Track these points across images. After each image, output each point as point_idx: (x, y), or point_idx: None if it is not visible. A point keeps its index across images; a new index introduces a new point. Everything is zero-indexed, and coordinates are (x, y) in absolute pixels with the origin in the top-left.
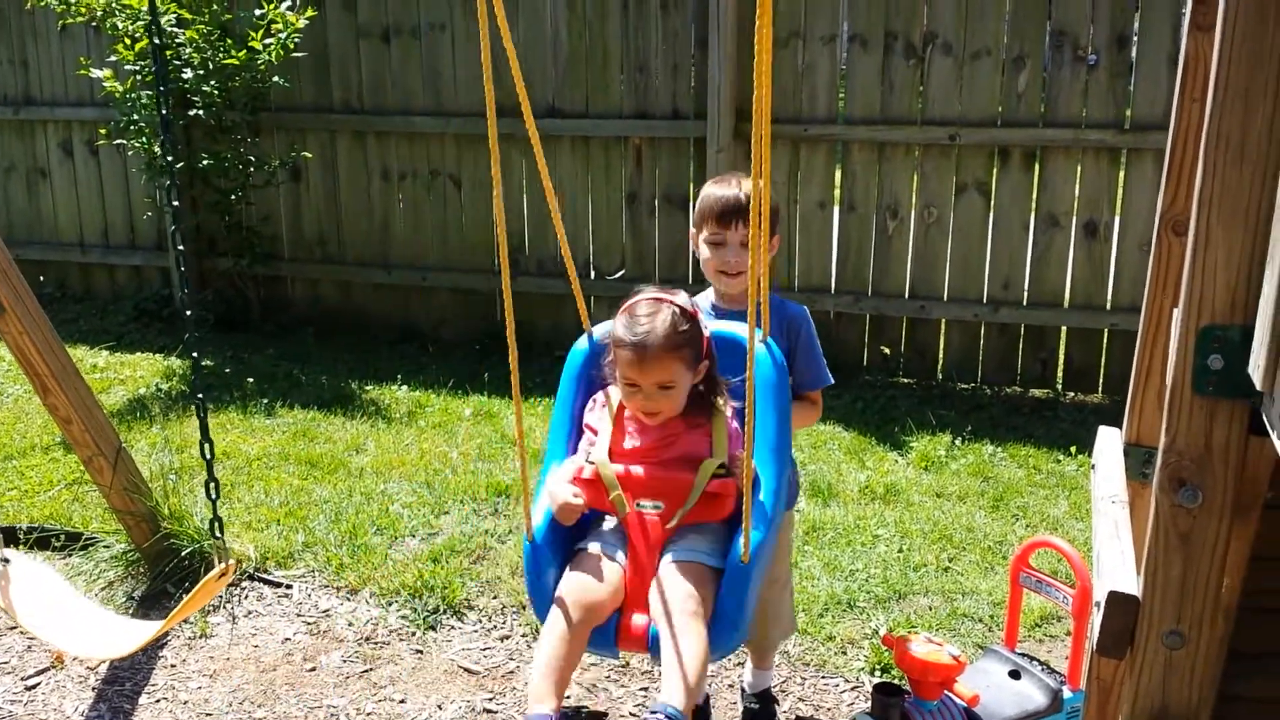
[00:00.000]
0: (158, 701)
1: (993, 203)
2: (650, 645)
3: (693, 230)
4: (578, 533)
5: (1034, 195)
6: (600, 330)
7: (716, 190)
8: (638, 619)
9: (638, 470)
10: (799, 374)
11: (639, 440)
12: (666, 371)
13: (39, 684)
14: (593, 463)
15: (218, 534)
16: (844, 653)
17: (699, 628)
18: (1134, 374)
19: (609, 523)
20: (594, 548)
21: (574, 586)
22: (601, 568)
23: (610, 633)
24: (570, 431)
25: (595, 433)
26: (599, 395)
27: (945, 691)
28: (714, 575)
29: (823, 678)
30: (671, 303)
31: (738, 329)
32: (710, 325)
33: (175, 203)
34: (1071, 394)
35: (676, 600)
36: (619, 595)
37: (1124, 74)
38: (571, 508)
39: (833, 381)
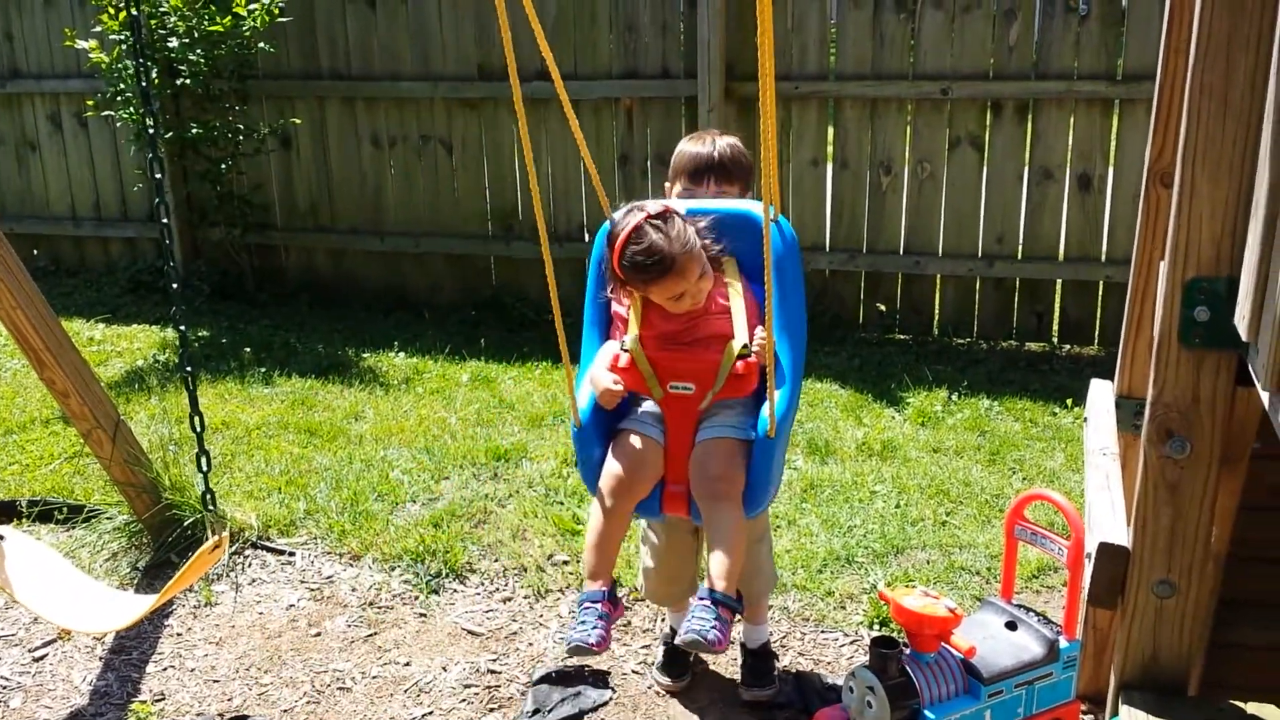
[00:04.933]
0: (165, 670)
1: (986, 157)
2: (691, 510)
3: (667, 185)
4: (617, 415)
5: (1027, 148)
6: (620, 215)
7: (691, 147)
8: (676, 488)
9: (669, 355)
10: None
11: (666, 325)
12: (693, 272)
13: (46, 655)
14: (628, 350)
15: (210, 506)
16: (843, 607)
17: (735, 511)
18: (1125, 327)
19: (646, 404)
20: (634, 427)
21: (618, 463)
22: (642, 445)
23: (655, 501)
24: (602, 319)
25: (624, 321)
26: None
27: (942, 644)
28: (744, 446)
29: (822, 632)
30: (647, 217)
31: (750, 206)
32: (717, 203)
33: (159, 175)
34: (1068, 347)
35: (712, 482)
36: (659, 469)
37: (1115, 24)
38: (613, 393)
39: None
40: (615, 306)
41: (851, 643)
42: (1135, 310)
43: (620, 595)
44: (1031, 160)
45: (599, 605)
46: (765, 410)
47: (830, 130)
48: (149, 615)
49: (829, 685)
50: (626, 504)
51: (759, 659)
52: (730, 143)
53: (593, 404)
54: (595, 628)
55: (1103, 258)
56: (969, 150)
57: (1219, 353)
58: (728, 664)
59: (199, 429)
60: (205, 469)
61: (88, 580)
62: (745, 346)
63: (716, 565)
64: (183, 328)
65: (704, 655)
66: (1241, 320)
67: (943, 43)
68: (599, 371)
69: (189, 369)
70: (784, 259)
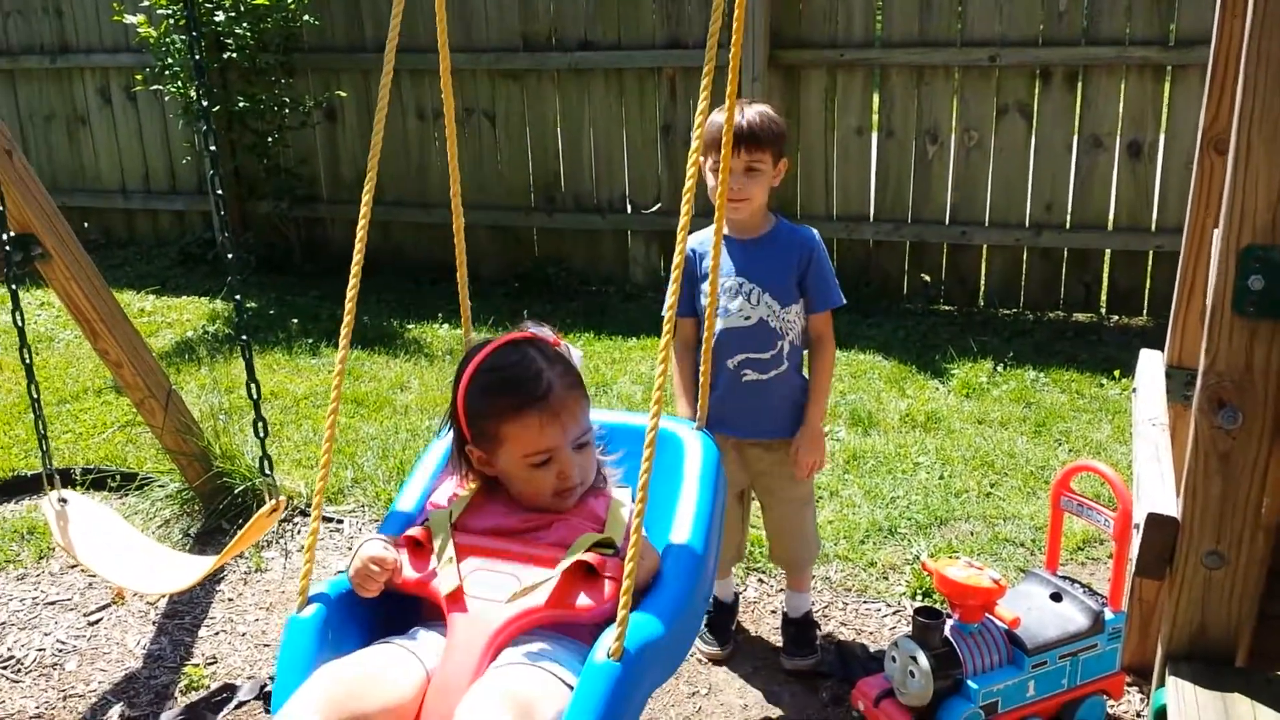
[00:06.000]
0: (216, 634)
1: (1034, 124)
2: None
3: (700, 158)
4: (378, 629)
5: (1076, 116)
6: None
7: (720, 117)
8: None
9: (485, 542)
10: (810, 297)
11: (504, 520)
12: (572, 422)
13: (101, 619)
14: (425, 523)
15: (267, 471)
16: (885, 578)
17: None
18: (1176, 296)
19: (429, 627)
20: (395, 641)
21: (336, 688)
22: (392, 668)
23: None
24: (421, 504)
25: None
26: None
27: (986, 614)
28: (564, 696)
29: (865, 603)
30: (531, 337)
31: (673, 427)
32: (638, 418)
33: (213, 148)
34: (1116, 317)
35: (491, 712)
36: (407, 712)
37: None
38: (380, 565)
39: (844, 302)
40: (435, 494)
41: (894, 613)
42: (1187, 279)
43: None
44: (1081, 128)
45: None
46: (612, 629)
47: (876, 98)
48: (208, 577)
49: (871, 655)
50: None
51: (801, 628)
52: (760, 110)
53: (338, 591)
54: None
55: (1153, 227)
56: (1017, 118)
57: (1274, 322)
58: (770, 632)
59: (256, 396)
60: (263, 435)
61: (149, 542)
62: (611, 544)
63: None
64: (238, 297)
65: (746, 625)
66: None
67: (991, 9)
68: (370, 540)
69: (245, 338)
70: (710, 476)
